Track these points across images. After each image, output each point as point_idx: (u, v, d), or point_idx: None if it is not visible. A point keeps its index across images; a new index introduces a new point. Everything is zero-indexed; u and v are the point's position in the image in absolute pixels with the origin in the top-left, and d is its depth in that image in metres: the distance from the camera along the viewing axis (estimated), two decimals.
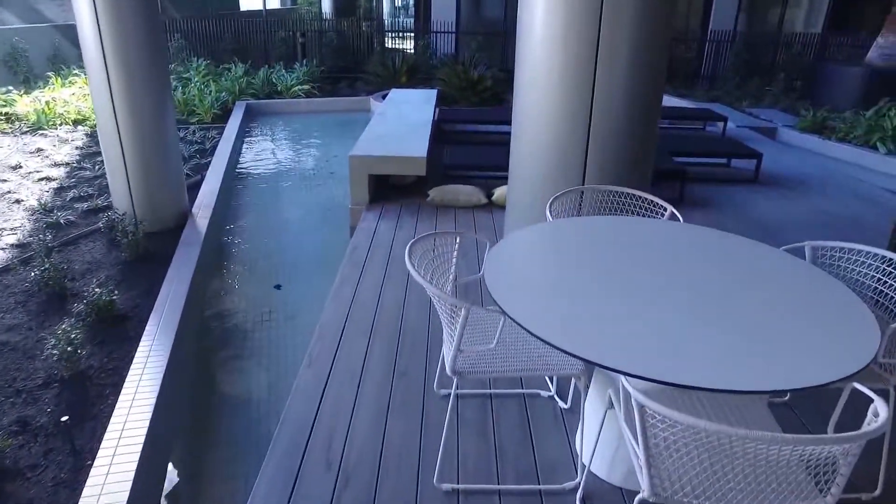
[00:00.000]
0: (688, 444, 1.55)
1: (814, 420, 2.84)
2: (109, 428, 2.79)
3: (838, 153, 8.56)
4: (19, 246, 4.74)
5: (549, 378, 3.06)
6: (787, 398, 2.96)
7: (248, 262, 5.13)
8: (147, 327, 3.60)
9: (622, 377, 1.70)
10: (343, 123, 10.70)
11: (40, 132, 8.49)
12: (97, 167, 6.81)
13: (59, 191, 6.08)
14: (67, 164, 7.00)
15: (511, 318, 1.93)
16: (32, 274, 4.08)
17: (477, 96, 11.26)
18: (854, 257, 2.62)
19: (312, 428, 2.77)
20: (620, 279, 2.20)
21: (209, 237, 5.16)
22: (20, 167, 6.75)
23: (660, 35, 3.64)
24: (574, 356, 1.76)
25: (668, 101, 9.97)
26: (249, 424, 3.27)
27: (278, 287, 4.72)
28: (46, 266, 3.90)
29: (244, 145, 9.03)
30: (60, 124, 8.93)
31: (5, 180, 6.31)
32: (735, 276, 2.26)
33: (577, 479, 2.40)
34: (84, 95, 9.94)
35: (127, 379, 3.10)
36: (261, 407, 3.42)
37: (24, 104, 9.23)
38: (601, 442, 2.36)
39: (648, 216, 3.22)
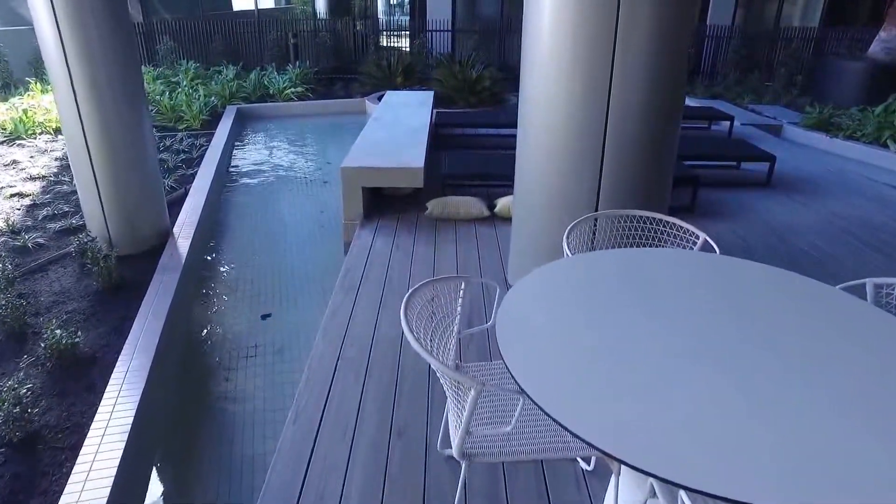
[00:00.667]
0: None
1: None
2: None
3: (847, 151, 8.21)
4: None
5: None
6: None
7: (233, 287, 4.73)
8: (114, 374, 3.22)
9: (682, 490, 1.31)
10: (337, 127, 10.30)
11: (17, 142, 8.08)
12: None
13: (32, 208, 5.67)
14: (44, 177, 6.59)
15: (533, 402, 1.55)
16: None
17: (475, 96, 10.86)
18: None
19: (300, 497, 2.39)
20: (667, 340, 1.81)
21: (190, 262, 4.76)
22: None
23: (681, 34, 3.25)
24: (618, 460, 1.37)
25: None
26: (230, 490, 2.88)
27: (266, 317, 4.33)
28: (3, 301, 3.51)
29: (234, 152, 8.62)
30: (40, 133, 8.52)
31: None
32: (807, 332, 1.86)
33: None
34: None
35: (86, 441, 2.72)
36: (244, 470, 3.03)
37: (0, 112, 8.82)
38: None
39: (678, 244, 2.83)
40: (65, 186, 6.28)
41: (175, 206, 5.89)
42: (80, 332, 3.54)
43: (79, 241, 4.30)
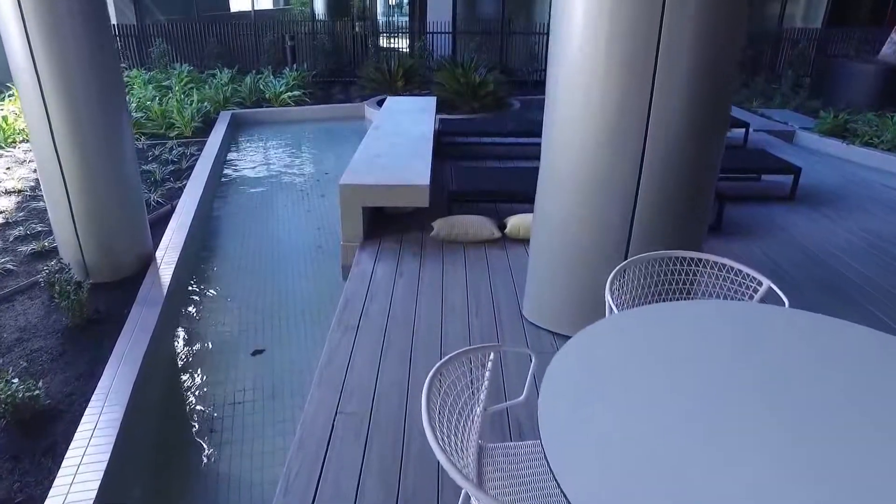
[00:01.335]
0: None
1: None
2: None
3: (865, 159, 7.83)
4: None
5: None
6: None
7: (220, 319, 4.30)
8: (78, 431, 2.80)
9: None
10: (336, 133, 9.88)
11: None
12: None
13: (3, 228, 5.24)
14: (20, 191, 6.17)
15: None
16: None
17: (478, 101, 10.44)
18: None
19: None
20: (758, 437, 1.39)
21: (174, 291, 4.34)
22: None
23: (731, 47, 2.85)
24: None
25: None
26: None
27: (257, 353, 3.91)
28: None
29: (226, 162, 8.20)
30: (21, 141, 8.08)
31: None
32: None
33: None
34: None
35: None
36: None
37: None
38: None
39: (734, 290, 2.42)
40: (41, 203, 5.84)
41: (160, 224, 5.48)
42: (42, 380, 3.13)
43: (49, 268, 3.87)
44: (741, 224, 5.45)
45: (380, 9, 16.21)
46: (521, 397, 1.97)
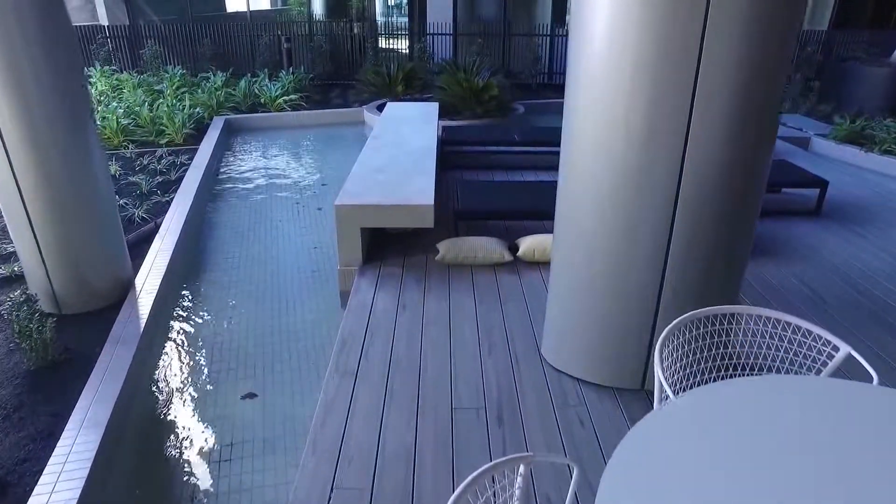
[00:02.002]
0: None
1: None
2: None
3: (886, 168, 7.45)
4: None
5: None
6: None
7: (207, 355, 3.91)
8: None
9: None
10: (334, 140, 9.48)
11: None
12: None
13: None
14: None
15: None
16: None
17: (481, 106, 10.03)
18: None
19: None
20: None
21: (153, 325, 3.94)
22: None
23: (779, 66, 2.46)
24: None
25: None
26: None
27: (248, 397, 3.51)
28: None
29: (218, 173, 7.80)
30: None
31: None
32: None
33: None
34: None
35: None
36: None
37: None
38: None
39: (801, 354, 2.03)
40: None
41: (144, 243, 5.08)
42: None
43: (11, 301, 3.47)
44: (765, 242, 5.06)
45: (379, 9, 15.81)
46: None
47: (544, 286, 4.24)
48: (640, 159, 2.54)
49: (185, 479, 2.93)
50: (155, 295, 4.11)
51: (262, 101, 10.57)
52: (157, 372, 3.69)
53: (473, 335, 3.60)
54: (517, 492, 1.45)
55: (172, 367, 3.76)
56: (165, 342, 4.00)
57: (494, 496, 1.40)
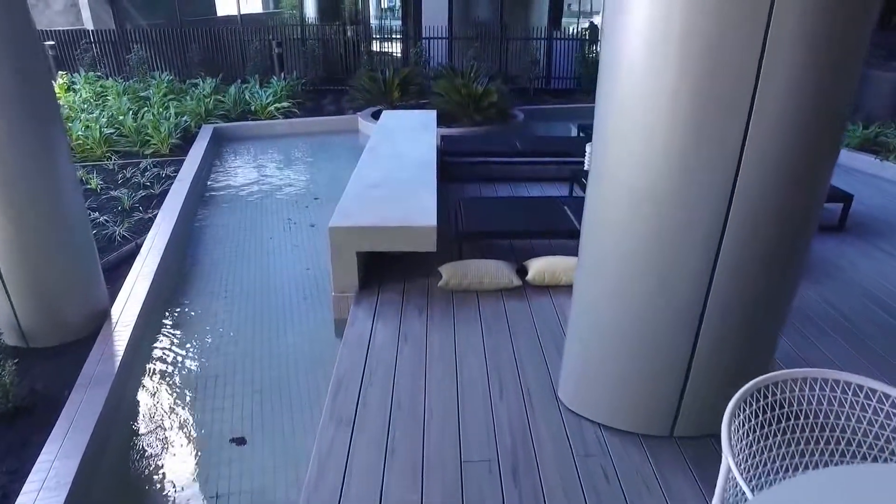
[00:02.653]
0: None
1: None
2: None
3: None
4: None
5: None
6: None
7: (190, 394, 3.57)
8: None
9: None
10: (328, 148, 9.14)
11: None
12: None
13: None
14: None
15: None
16: None
17: (480, 113, 9.73)
18: None
19: None
20: None
21: (129, 362, 3.59)
22: None
23: (845, 89, 2.15)
24: None
25: None
26: None
27: (236, 442, 3.16)
28: None
29: (206, 185, 7.44)
30: None
31: None
32: None
33: None
34: None
35: None
36: None
37: None
38: None
39: (881, 424, 1.72)
40: None
41: (124, 265, 4.73)
42: None
43: None
44: None
45: (372, 12, 15.50)
46: None
47: (555, 312, 3.92)
48: (681, 199, 2.23)
49: None
50: (132, 328, 3.75)
51: (253, 108, 10.22)
52: (132, 419, 3.34)
53: (482, 374, 3.27)
54: None
55: (151, 410, 3.41)
56: (143, 380, 3.65)
57: None
